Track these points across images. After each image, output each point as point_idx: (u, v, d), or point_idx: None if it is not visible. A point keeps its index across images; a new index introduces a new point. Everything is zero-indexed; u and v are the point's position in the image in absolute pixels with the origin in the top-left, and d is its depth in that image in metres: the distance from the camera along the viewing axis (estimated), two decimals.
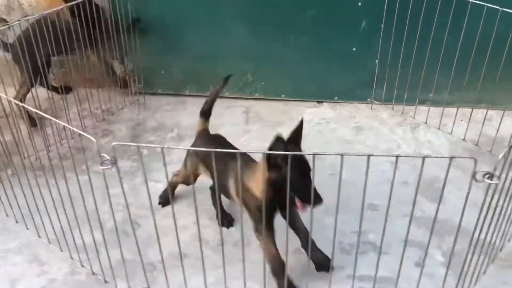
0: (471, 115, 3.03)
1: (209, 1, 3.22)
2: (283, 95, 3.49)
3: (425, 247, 2.29)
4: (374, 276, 1.97)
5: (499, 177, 1.50)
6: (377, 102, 3.37)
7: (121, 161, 2.96)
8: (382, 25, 3.06)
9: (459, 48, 2.83)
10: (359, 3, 3.06)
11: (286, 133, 3.09)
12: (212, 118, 3.36)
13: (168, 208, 2.56)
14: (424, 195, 2.58)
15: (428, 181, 2.63)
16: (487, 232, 2.02)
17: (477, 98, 3.07)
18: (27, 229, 2.49)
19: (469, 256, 1.90)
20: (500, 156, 1.52)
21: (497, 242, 2.18)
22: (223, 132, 3.24)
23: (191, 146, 2.46)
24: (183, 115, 3.43)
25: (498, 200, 1.89)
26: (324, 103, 3.48)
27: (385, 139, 3.08)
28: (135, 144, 1.58)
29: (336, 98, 3.44)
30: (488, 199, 1.71)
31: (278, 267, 2.05)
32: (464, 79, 2.93)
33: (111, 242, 2.06)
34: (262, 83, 3.45)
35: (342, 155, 1.55)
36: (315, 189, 1.80)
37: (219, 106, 3.49)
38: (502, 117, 2.89)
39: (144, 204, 2.50)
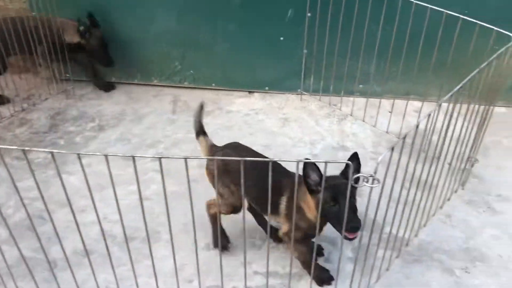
0: (393, 106, 3.04)
1: None
2: (213, 84, 3.40)
3: (336, 242, 2.32)
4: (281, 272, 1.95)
5: (378, 181, 1.48)
6: (305, 93, 3.34)
7: (35, 153, 2.83)
8: (309, 14, 3.00)
9: (380, 39, 2.80)
10: None
11: (211, 123, 3.09)
12: (138, 107, 3.29)
13: (77, 203, 2.45)
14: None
15: None
16: (391, 227, 2.03)
17: (406, 90, 3.08)
18: None
19: (375, 251, 1.93)
20: (380, 158, 1.49)
21: (405, 236, 2.19)
22: (149, 121, 3.16)
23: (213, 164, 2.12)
24: (107, 103, 3.30)
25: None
26: (255, 93, 3.42)
27: (310, 131, 3.05)
28: None
29: (267, 88, 3.38)
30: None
31: (308, 261, 2.03)
32: (395, 70, 2.94)
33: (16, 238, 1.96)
34: (191, 71, 3.35)
35: (216, 158, 1.49)
36: (352, 215, 1.75)
37: (146, 94, 3.42)
38: (421, 107, 2.89)
39: (53, 198, 2.40)
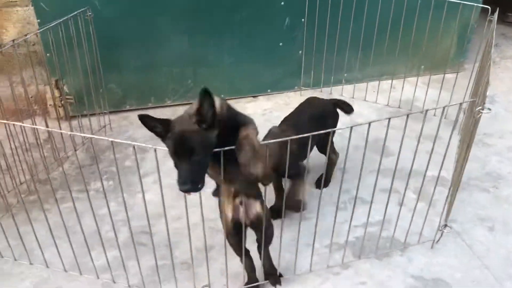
0: (379, 86, 3.71)
1: (143, 14, 3.30)
2: (222, 95, 3.70)
3: (397, 191, 2.84)
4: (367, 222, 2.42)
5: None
6: (305, 88, 3.84)
7: (93, 184, 2.92)
8: (303, 20, 3.54)
9: (354, 33, 3.52)
10: (282, 3, 3.48)
11: None
12: None
13: (173, 212, 2.63)
14: (376, 152, 3.09)
15: (373, 141, 3.18)
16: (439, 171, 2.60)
17: (379, 72, 3.80)
18: (31, 264, 2.34)
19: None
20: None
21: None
22: None
23: None
24: (132, 129, 3.45)
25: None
26: (259, 97, 3.84)
27: None
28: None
29: (268, 90, 3.82)
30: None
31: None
32: (371, 58, 3.64)
33: (130, 255, 2.22)
34: (202, 86, 3.64)
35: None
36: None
37: (163, 115, 3.52)
38: (403, 82, 3.62)
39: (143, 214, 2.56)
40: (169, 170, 1.75)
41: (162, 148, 1.76)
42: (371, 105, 3.72)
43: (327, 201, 2.72)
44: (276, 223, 2.24)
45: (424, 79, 3.75)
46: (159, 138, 1.75)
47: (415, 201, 2.42)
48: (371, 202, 2.27)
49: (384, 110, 3.66)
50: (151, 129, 1.69)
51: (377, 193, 2.51)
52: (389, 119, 2.01)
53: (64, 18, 2.86)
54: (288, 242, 2.39)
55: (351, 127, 1.95)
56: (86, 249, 2.18)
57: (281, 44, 3.64)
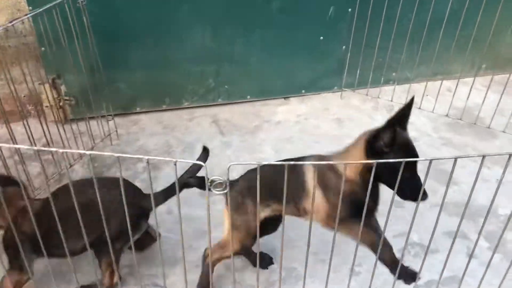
0: (440, 87, 3.12)
1: (162, 3, 2.73)
2: (248, 96, 3.19)
3: (465, 234, 2.31)
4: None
5: None
6: (346, 89, 3.27)
7: None
8: (349, 9, 2.93)
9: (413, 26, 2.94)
10: None
11: (267, 138, 2.89)
12: (180, 135, 2.96)
13: (192, 255, 2.14)
14: (437, 180, 2.55)
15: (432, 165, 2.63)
16: None
17: (434, 72, 3.23)
18: None
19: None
20: None
21: None
22: (199, 148, 2.84)
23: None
24: (144, 137, 2.93)
25: None
26: (291, 99, 3.27)
27: (369, 127, 2.99)
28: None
29: (303, 91, 3.25)
30: None
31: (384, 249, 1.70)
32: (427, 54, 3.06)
33: None
34: (226, 86, 3.10)
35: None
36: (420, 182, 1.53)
37: (180, 119, 3.11)
38: (471, 87, 3.00)
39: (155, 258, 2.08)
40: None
41: (183, 161, 1.32)
42: (426, 114, 3.12)
43: None
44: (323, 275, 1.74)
45: (487, 81, 3.15)
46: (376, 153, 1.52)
47: (488, 251, 1.92)
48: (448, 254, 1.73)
49: (441, 121, 3.06)
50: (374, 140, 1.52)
51: (438, 237, 2.02)
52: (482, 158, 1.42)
53: (50, 5, 2.28)
54: None
55: (430, 160, 1.38)
56: None
57: (321, 38, 3.05)
